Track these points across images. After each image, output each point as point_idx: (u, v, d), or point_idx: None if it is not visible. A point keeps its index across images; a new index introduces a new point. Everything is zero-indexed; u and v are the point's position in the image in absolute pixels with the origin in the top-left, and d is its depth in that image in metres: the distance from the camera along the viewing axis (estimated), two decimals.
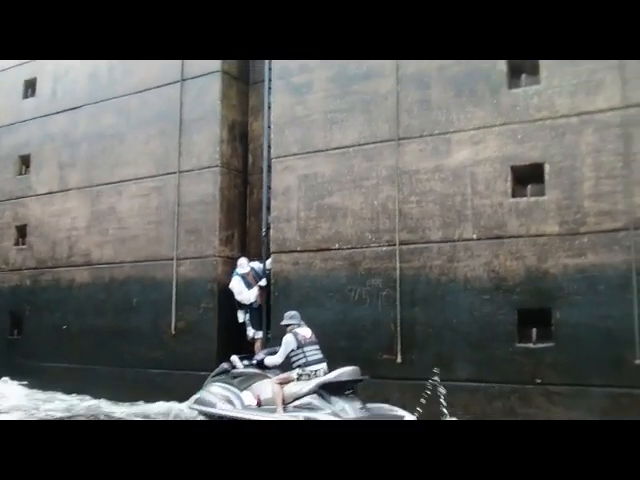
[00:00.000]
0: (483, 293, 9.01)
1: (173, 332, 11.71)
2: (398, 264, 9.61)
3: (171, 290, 11.81)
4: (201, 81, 12.09)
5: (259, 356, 9.49)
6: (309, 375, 8.61)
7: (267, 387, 9.01)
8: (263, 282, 10.96)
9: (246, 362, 9.68)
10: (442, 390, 8.18)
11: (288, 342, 8.80)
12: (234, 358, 9.74)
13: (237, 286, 11.02)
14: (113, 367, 12.28)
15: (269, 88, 11.44)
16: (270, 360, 9.13)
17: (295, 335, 8.82)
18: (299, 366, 8.69)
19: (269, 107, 11.37)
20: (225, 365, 9.78)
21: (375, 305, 9.76)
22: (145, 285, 12.27)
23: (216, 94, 11.90)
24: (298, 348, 8.73)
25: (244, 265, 11.19)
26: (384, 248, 9.77)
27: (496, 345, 8.82)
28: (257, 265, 11.27)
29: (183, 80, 12.28)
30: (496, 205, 9.03)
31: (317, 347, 8.87)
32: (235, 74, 12.27)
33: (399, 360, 9.42)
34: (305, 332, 8.92)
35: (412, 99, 9.80)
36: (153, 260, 12.24)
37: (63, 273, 13.60)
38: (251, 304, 11.06)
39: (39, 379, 13.26)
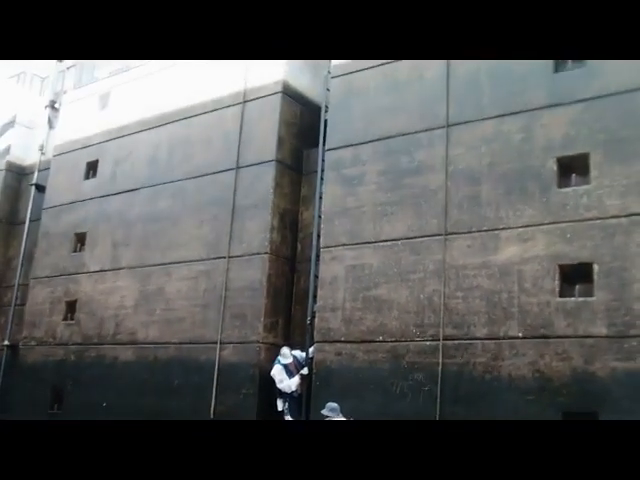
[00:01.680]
0: (528, 393, 8.81)
1: (212, 416, 11.64)
2: (441, 359, 9.48)
3: (213, 374, 11.80)
4: (255, 169, 12.40)
5: None
6: None
7: None
8: (305, 371, 10.88)
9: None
10: None
11: None
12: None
13: (278, 374, 10.95)
14: None
15: (321, 179, 11.67)
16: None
17: None
18: None
19: (320, 197, 11.58)
20: None
21: (417, 400, 9.61)
22: (188, 367, 12.28)
23: (269, 182, 12.17)
24: None
25: (287, 355, 11.15)
26: (428, 342, 9.68)
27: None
28: (299, 354, 11.21)
29: (238, 167, 12.62)
30: (543, 304, 8.92)
31: None
32: (289, 163, 12.55)
33: None
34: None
35: (462, 194, 9.89)
36: (197, 343, 12.30)
37: (108, 350, 13.72)
38: (291, 393, 10.95)
39: None
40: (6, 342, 16.61)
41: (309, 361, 10.96)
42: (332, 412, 9.09)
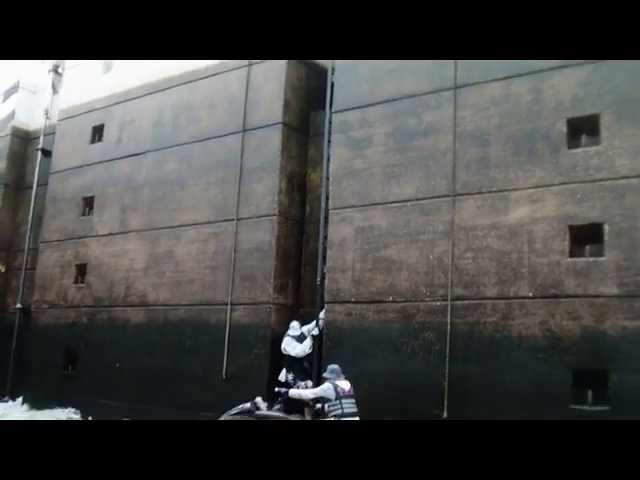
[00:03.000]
0: (537, 352, 8.91)
1: (224, 376, 11.82)
2: (449, 319, 9.59)
3: (224, 335, 11.94)
4: (262, 132, 12.38)
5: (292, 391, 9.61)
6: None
7: None
8: (316, 332, 10.99)
9: (266, 403, 9.92)
10: None
11: (326, 390, 8.94)
12: (258, 400, 9.86)
13: (288, 345, 11.02)
14: (163, 408, 12.36)
15: (329, 141, 11.65)
16: (296, 392, 9.47)
17: (335, 387, 8.89)
18: (335, 416, 8.73)
19: (328, 159, 11.58)
20: (247, 405, 9.89)
21: (427, 359, 9.73)
22: (198, 328, 12.44)
23: (276, 145, 12.16)
24: (336, 399, 8.80)
25: (296, 327, 11.26)
26: (438, 303, 9.77)
27: (549, 406, 8.67)
28: (308, 328, 11.29)
29: (245, 130, 12.59)
30: (553, 264, 8.99)
31: (353, 401, 8.90)
32: (295, 126, 12.53)
33: (445, 415, 9.33)
34: (344, 385, 8.98)
35: (470, 156, 9.89)
36: (208, 304, 12.42)
37: (119, 313, 13.88)
38: (302, 358, 11.01)
39: (89, 416, 13.48)
40: (18, 305, 16.82)
41: (319, 322, 11.08)
42: (332, 374, 9.14)
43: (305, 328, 11.30)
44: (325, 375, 9.29)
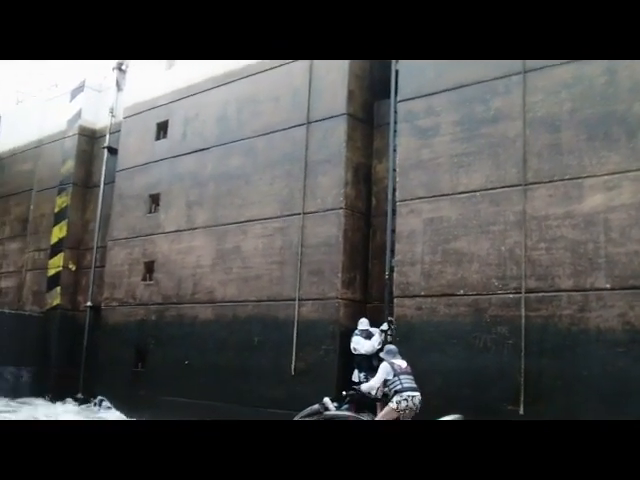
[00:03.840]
0: (617, 346, 8.57)
1: (293, 373, 11.76)
2: (524, 312, 9.30)
3: (292, 331, 11.87)
4: (327, 124, 12.23)
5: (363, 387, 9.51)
6: (407, 400, 8.68)
7: None
8: (384, 326, 10.84)
9: (336, 404, 9.80)
10: None
11: (384, 369, 9.05)
12: (326, 400, 9.82)
13: (357, 343, 10.91)
14: (232, 405, 12.40)
15: (394, 131, 11.45)
16: (366, 386, 9.35)
17: (392, 365, 9.02)
18: (396, 392, 8.79)
19: (394, 150, 11.38)
20: (317, 407, 9.85)
21: (500, 354, 9.48)
22: (267, 325, 12.40)
23: (341, 136, 12.00)
24: (394, 376, 8.91)
25: (364, 323, 11.10)
26: (511, 295, 9.49)
27: (631, 401, 8.33)
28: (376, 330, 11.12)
29: (309, 123, 12.47)
30: (632, 254, 8.62)
31: (412, 377, 8.99)
32: (360, 117, 12.33)
33: (522, 412, 9.05)
34: (401, 363, 9.12)
35: (542, 143, 9.56)
36: (275, 300, 12.37)
37: (187, 309, 13.95)
38: (372, 355, 10.88)
39: (159, 413, 13.58)
40: (89, 303, 17.06)
41: (389, 316, 10.91)
42: (389, 354, 9.32)
43: (374, 330, 11.12)
44: (382, 355, 9.46)
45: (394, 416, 8.84)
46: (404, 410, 8.73)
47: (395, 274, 10.82)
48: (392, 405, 8.80)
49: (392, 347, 9.54)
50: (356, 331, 11.04)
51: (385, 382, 9.03)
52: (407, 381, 8.87)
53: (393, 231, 11.13)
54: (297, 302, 11.93)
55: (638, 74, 8.91)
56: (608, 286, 8.74)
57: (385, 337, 10.83)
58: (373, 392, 9.34)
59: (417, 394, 8.81)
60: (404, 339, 10.42)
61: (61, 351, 17.25)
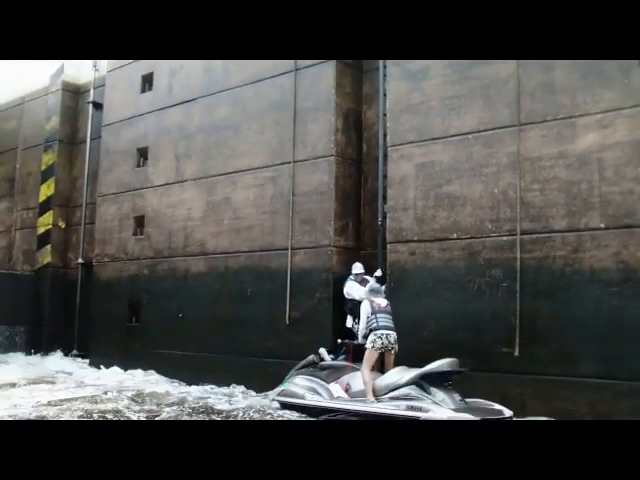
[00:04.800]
0: (611, 285, 8.52)
1: (287, 322, 11.74)
2: (519, 254, 9.24)
3: (285, 280, 11.83)
4: (315, 70, 12.01)
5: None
6: (381, 338, 8.87)
7: (357, 379, 9.04)
8: (378, 272, 10.80)
9: (332, 355, 9.92)
10: None
11: (365, 308, 9.26)
12: (322, 350, 9.91)
13: (351, 288, 10.86)
14: (228, 355, 12.43)
15: (384, 75, 11.28)
16: (359, 332, 9.53)
17: (371, 303, 9.19)
18: (371, 330, 8.98)
19: (384, 94, 11.22)
20: (312, 357, 9.95)
21: (495, 296, 9.43)
22: (260, 275, 12.35)
23: (330, 82, 11.80)
24: (372, 314, 9.09)
25: (359, 268, 11.03)
26: (505, 238, 9.42)
27: (625, 340, 8.32)
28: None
29: (297, 69, 12.25)
30: (626, 192, 8.52)
31: (389, 316, 9.15)
32: (349, 62, 12.11)
33: (517, 354, 9.06)
34: (381, 301, 9.27)
35: (534, 82, 9.39)
36: (268, 250, 12.30)
37: (179, 262, 13.88)
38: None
39: (155, 365, 13.65)
40: (80, 260, 17.04)
41: (382, 263, 10.87)
42: (371, 292, 9.46)
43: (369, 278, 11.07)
44: (364, 294, 9.73)
45: (374, 356, 8.96)
46: (380, 348, 8.84)
47: (388, 220, 10.73)
48: (368, 345, 8.93)
49: (376, 285, 9.69)
50: (350, 276, 10.99)
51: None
52: (383, 319, 9.00)
53: (385, 177, 11.02)
54: (290, 251, 11.86)
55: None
56: (602, 226, 8.66)
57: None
58: (361, 334, 9.38)
59: (392, 332, 8.95)
60: (398, 285, 10.38)
61: (54, 309, 17.30)
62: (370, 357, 8.96)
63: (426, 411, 7.84)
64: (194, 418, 9.18)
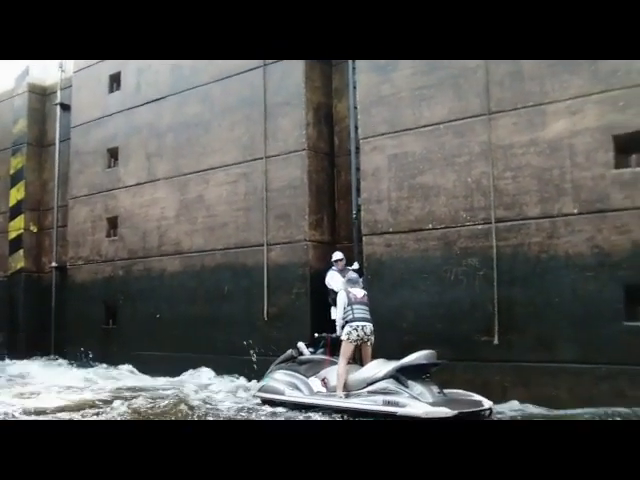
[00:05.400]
0: (586, 270, 8.58)
1: (266, 318, 11.72)
2: (495, 242, 9.27)
3: (262, 276, 11.79)
4: (283, 64, 11.96)
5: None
6: (357, 330, 8.81)
7: (335, 373, 9.09)
8: (355, 265, 10.81)
9: (311, 349, 9.86)
10: None
11: (341, 299, 9.22)
12: (300, 345, 9.88)
13: (332, 278, 10.81)
14: (206, 354, 12.38)
15: (353, 68, 11.26)
16: (337, 321, 9.47)
17: (347, 293, 9.14)
18: (347, 322, 8.95)
19: (354, 87, 11.20)
20: (291, 352, 9.91)
21: (472, 285, 9.46)
22: (236, 272, 12.31)
23: (299, 77, 11.76)
24: (348, 305, 9.04)
25: (338, 254, 10.98)
26: (480, 226, 9.45)
27: (602, 324, 8.39)
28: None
29: (265, 65, 12.19)
30: (597, 177, 8.58)
31: (366, 307, 9.09)
32: None
33: (496, 342, 9.10)
34: (357, 292, 9.20)
35: (503, 71, 9.41)
36: (243, 247, 12.26)
37: (154, 263, 13.80)
38: None
39: (134, 366, 13.58)
40: (54, 264, 16.83)
41: (359, 256, 10.86)
42: (349, 282, 9.43)
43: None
44: (342, 284, 9.73)
45: (350, 348, 8.92)
46: (356, 340, 8.82)
47: (362, 212, 10.72)
48: (344, 337, 8.91)
49: (353, 276, 9.64)
50: (333, 267, 10.95)
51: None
52: (359, 311, 8.95)
53: (358, 169, 11.00)
54: (265, 247, 11.82)
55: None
56: (575, 211, 8.71)
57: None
58: (338, 325, 9.37)
59: (368, 324, 8.90)
60: (375, 277, 10.38)
61: (29, 314, 17.06)
62: (346, 349, 8.91)
63: (403, 406, 7.80)
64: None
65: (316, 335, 9.98)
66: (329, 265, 11.01)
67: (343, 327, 9.03)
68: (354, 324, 8.85)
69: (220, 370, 12.01)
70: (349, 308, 8.98)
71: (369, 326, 8.90)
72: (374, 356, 9.04)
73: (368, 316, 8.99)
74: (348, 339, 8.86)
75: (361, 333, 8.82)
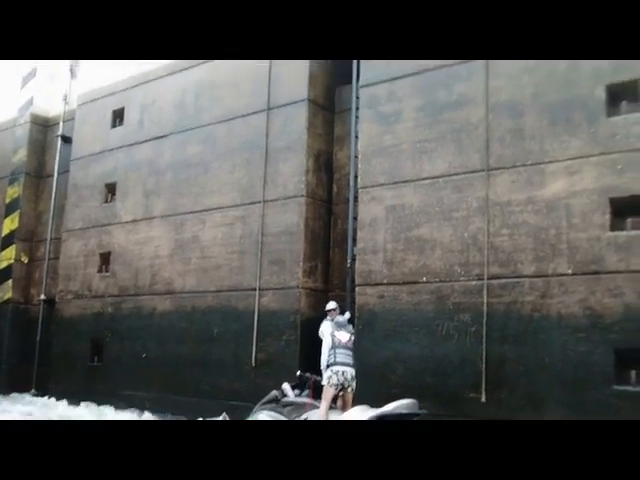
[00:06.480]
0: (578, 331, 8.55)
1: (254, 364, 11.60)
2: (486, 299, 9.25)
3: (253, 321, 11.70)
4: (287, 110, 12.06)
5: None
6: (337, 374, 8.72)
7: (316, 416, 8.93)
8: (347, 315, 10.70)
9: (297, 391, 9.75)
10: None
11: (325, 343, 9.39)
12: (285, 386, 9.77)
13: (324, 329, 10.74)
14: (192, 397, 12.22)
15: (356, 117, 11.33)
16: (322, 362, 9.55)
17: (333, 337, 9.11)
18: (328, 366, 8.91)
19: (356, 136, 11.26)
20: (275, 393, 9.78)
21: (463, 341, 9.41)
22: (227, 315, 12.22)
23: (302, 123, 11.83)
24: (331, 349, 9.01)
25: (332, 304, 10.90)
26: (473, 282, 9.43)
27: (592, 387, 8.34)
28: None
29: (269, 109, 12.28)
30: (593, 239, 8.60)
31: (349, 352, 9.00)
32: (321, 103, 12.20)
33: (483, 399, 9.01)
34: (343, 336, 9.12)
35: (504, 128, 9.50)
36: (235, 290, 12.18)
37: (145, 301, 13.68)
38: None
39: (117, 407, 13.35)
40: (42, 297, 16.66)
41: (351, 305, 10.80)
42: (334, 326, 9.42)
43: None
44: (330, 327, 9.67)
45: (331, 392, 8.83)
46: (336, 385, 8.73)
47: (357, 262, 10.69)
48: (325, 381, 8.84)
49: (341, 319, 9.57)
50: (327, 316, 10.87)
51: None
52: (342, 356, 8.87)
53: (355, 219, 11.02)
54: (258, 292, 11.75)
55: (598, 60, 8.88)
56: (570, 272, 8.71)
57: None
58: (323, 369, 9.32)
59: (349, 369, 8.81)
60: (366, 327, 10.31)
61: (13, 346, 16.80)
62: (327, 393, 8.80)
63: None
64: None
65: (298, 373, 9.90)
66: (321, 313, 10.94)
67: (325, 371, 8.97)
68: (335, 368, 8.78)
69: (205, 414, 11.82)
70: (332, 352, 8.94)
71: (350, 371, 8.81)
72: (354, 403, 8.92)
73: (350, 361, 8.90)
74: (329, 383, 8.78)
75: (341, 378, 8.74)
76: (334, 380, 8.74)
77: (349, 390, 8.91)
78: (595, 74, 8.89)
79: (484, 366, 9.09)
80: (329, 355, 8.96)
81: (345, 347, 8.98)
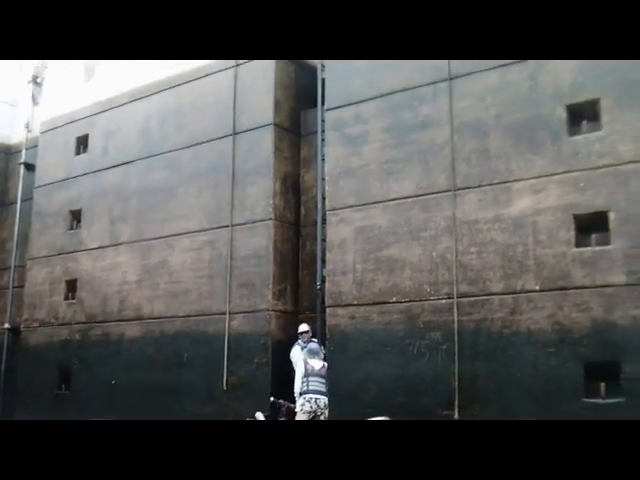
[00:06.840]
0: (547, 346, 8.69)
1: (225, 388, 11.53)
2: (456, 317, 9.34)
3: (223, 345, 11.66)
4: (253, 134, 12.10)
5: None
6: (310, 402, 8.97)
7: None
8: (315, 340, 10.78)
9: (271, 418, 9.92)
10: None
11: (299, 371, 9.54)
12: (258, 414, 9.89)
13: (294, 353, 10.81)
14: None
15: (322, 140, 11.42)
16: (295, 389, 9.70)
17: (306, 364, 9.36)
18: (301, 394, 9.14)
19: (323, 159, 11.34)
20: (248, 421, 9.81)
21: (435, 359, 9.48)
22: (196, 340, 12.15)
23: (269, 147, 11.88)
24: (304, 377, 9.24)
25: (304, 327, 10.97)
26: (443, 301, 9.53)
27: (562, 400, 8.46)
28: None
29: (235, 134, 12.31)
30: (559, 255, 8.76)
31: (322, 380, 9.24)
32: (287, 126, 12.27)
33: (456, 416, 9.08)
34: (316, 364, 9.41)
35: (470, 148, 9.65)
36: (205, 314, 12.13)
37: (113, 327, 13.55)
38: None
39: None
40: (7, 325, 16.39)
41: (322, 327, 10.83)
42: (307, 354, 9.65)
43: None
44: (301, 355, 9.95)
45: (304, 419, 8.88)
46: (309, 412, 8.77)
47: (327, 284, 10.72)
48: (297, 408, 8.89)
49: (314, 347, 9.77)
50: (299, 340, 10.89)
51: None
52: (315, 383, 9.00)
53: (323, 240, 11.07)
54: (227, 315, 11.72)
55: (560, 80, 9.09)
56: (537, 288, 8.85)
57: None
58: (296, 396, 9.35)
59: (322, 397, 8.94)
60: (338, 348, 10.31)
61: None
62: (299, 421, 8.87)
63: None
64: None
65: (272, 400, 9.90)
66: (292, 336, 10.96)
67: (298, 399, 8.99)
68: (307, 396, 8.88)
69: None
70: (305, 380, 9.02)
71: (323, 399, 8.88)
72: None
73: (323, 389, 8.98)
74: (302, 410, 8.83)
75: (314, 406, 8.80)
76: (307, 407, 8.80)
77: (322, 418, 8.95)
78: (556, 94, 9.09)
79: (456, 383, 9.16)
80: (302, 383, 9.01)
81: (318, 375, 9.07)
